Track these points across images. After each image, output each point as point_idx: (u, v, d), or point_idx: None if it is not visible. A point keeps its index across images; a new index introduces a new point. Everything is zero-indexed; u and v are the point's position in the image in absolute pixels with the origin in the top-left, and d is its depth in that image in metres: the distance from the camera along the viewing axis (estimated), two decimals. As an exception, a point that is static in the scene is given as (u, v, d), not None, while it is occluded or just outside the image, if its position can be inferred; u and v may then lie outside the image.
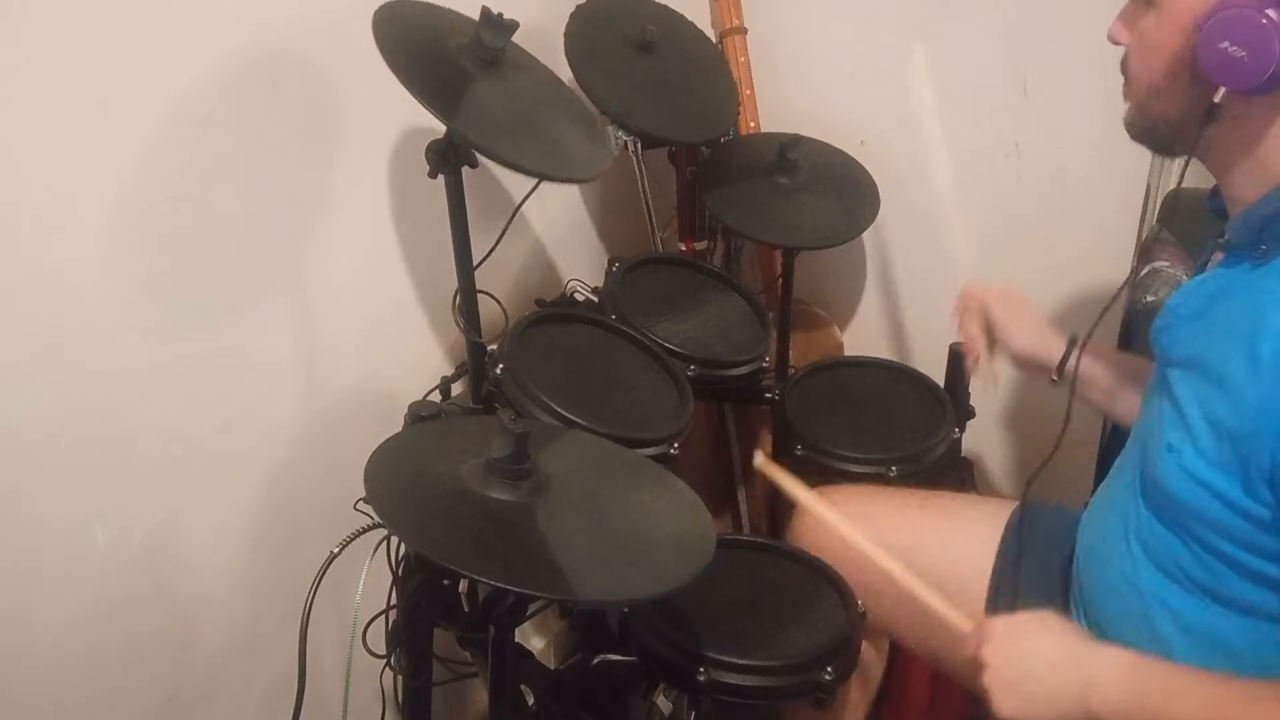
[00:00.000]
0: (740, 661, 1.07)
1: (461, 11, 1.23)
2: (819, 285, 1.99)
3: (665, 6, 1.70)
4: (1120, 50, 1.01)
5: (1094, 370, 1.24)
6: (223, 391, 1.16)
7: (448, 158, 1.16)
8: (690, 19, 1.73)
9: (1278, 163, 0.93)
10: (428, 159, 1.16)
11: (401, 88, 1.05)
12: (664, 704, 1.37)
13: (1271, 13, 0.86)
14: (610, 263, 1.58)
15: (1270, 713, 0.84)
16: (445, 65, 1.14)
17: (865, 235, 1.79)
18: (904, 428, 1.52)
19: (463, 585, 1.20)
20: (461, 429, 1.13)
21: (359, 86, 1.24)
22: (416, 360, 1.46)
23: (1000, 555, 1.23)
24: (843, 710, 1.39)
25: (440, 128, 1.12)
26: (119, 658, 1.10)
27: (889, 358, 1.69)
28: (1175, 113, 0.97)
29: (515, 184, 1.47)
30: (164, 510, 1.12)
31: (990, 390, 1.30)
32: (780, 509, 1.74)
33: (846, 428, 1.52)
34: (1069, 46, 1.64)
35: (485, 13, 1.15)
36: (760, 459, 1.18)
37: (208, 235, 1.11)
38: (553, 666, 1.67)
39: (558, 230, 1.73)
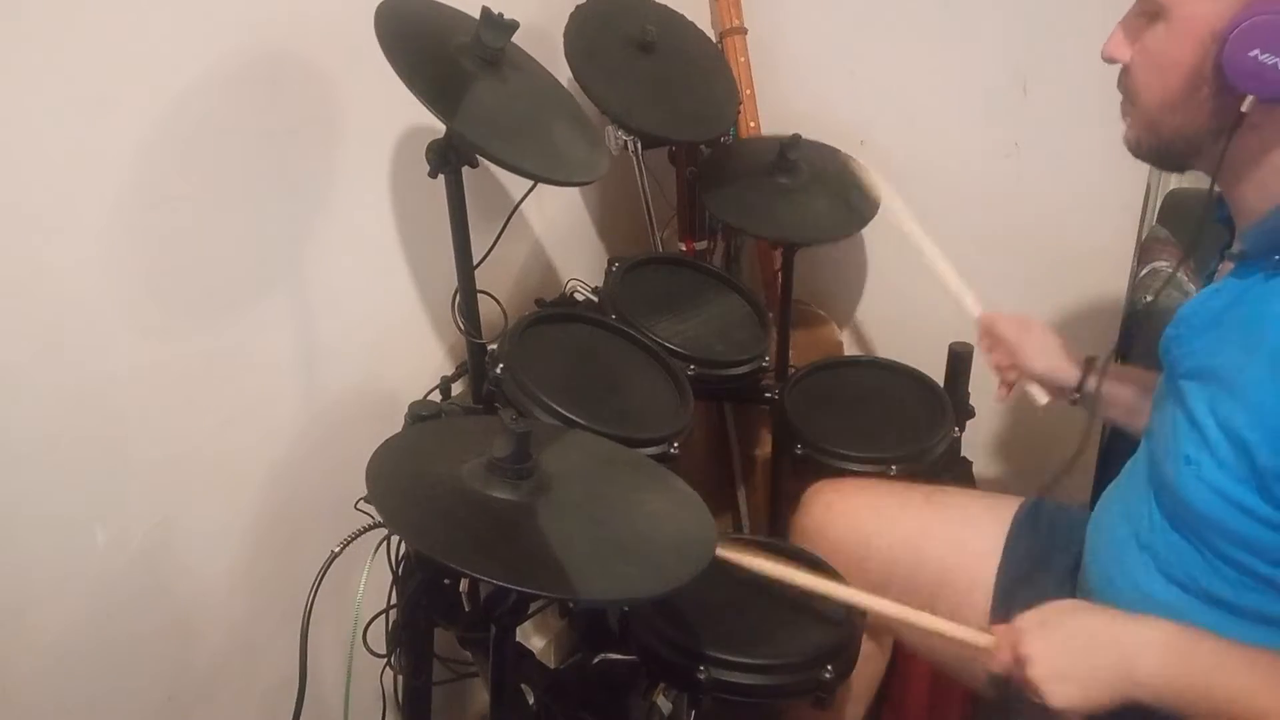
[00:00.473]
0: (740, 660, 1.07)
1: (462, 11, 1.23)
2: (819, 285, 1.99)
3: (665, 6, 1.70)
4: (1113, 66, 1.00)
5: (1112, 389, 1.25)
6: (223, 391, 1.16)
7: (448, 158, 1.16)
8: (690, 19, 1.73)
9: None
10: (428, 159, 1.16)
11: (401, 88, 1.05)
12: (664, 703, 1.37)
13: None
14: (610, 263, 1.58)
15: None
16: (445, 64, 1.14)
17: (865, 235, 1.80)
18: (904, 427, 1.53)
19: (463, 585, 1.20)
20: (462, 429, 1.13)
21: (359, 86, 1.24)
22: (417, 360, 1.46)
23: (1007, 551, 1.23)
24: (843, 709, 1.39)
25: (440, 128, 1.12)
26: (119, 658, 1.10)
27: (889, 358, 1.69)
28: (1193, 127, 0.94)
29: (515, 184, 1.47)
30: (164, 510, 1.12)
31: (1042, 403, 1.33)
32: (780, 509, 1.74)
33: (846, 427, 1.52)
34: (1069, 46, 1.64)
35: (485, 12, 1.15)
36: (719, 550, 1.03)
37: (208, 235, 1.11)
38: (553, 666, 1.67)
39: (557, 230, 1.73)
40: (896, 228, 1.42)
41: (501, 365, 1.22)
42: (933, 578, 1.23)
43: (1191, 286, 1.62)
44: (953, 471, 1.56)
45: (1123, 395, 1.25)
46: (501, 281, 1.54)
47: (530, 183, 1.30)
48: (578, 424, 1.17)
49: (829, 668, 1.08)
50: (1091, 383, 1.27)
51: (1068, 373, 1.29)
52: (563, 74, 1.47)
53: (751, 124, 1.85)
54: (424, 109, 1.05)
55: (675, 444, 1.26)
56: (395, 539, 1.15)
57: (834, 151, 1.74)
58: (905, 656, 1.51)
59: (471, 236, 1.24)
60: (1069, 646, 0.92)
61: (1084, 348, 1.32)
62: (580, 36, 1.51)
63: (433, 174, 1.17)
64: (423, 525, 0.89)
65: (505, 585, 0.82)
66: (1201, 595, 0.96)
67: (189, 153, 1.07)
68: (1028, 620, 0.96)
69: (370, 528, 1.08)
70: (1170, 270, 1.60)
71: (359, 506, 0.99)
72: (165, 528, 1.12)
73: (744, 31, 1.84)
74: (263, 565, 1.25)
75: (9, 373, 0.94)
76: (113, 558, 1.07)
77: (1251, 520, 0.90)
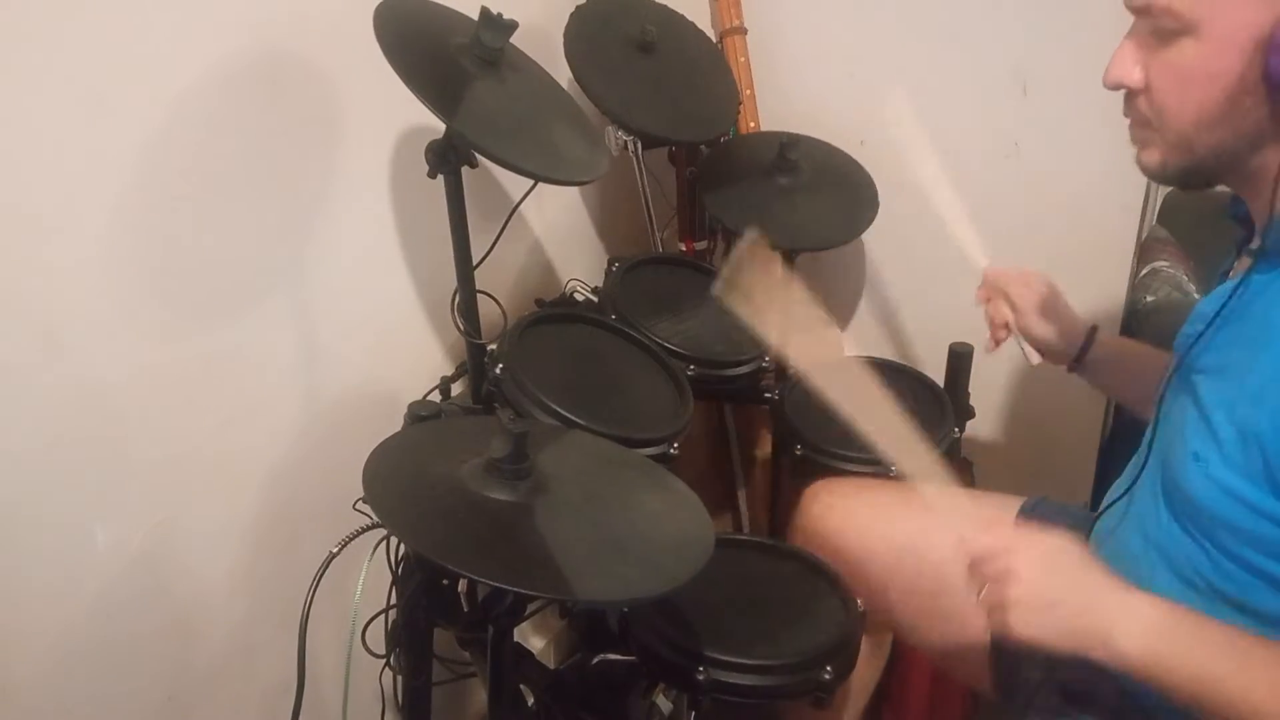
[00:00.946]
0: (740, 661, 1.07)
1: (461, 11, 1.23)
2: (819, 285, 1.99)
3: (665, 6, 1.70)
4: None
5: (1112, 361, 1.24)
6: (223, 392, 1.16)
7: (447, 158, 1.16)
8: (690, 19, 1.73)
9: None
10: (427, 159, 1.17)
11: (400, 88, 1.05)
12: (664, 704, 1.37)
13: None
14: (610, 263, 1.58)
15: None
16: (445, 64, 1.14)
17: (865, 235, 1.79)
18: (904, 427, 1.52)
19: (462, 585, 1.20)
20: (461, 429, 1.14)
21: (359, 86, 1.24)
22: (416, 360, 1.46)
23: None
24: (841, 709, 1.39)
25: (439, 128, 1.12)
26: (119, 658, 1.10)
27: (889, 358, 1.69)
28: (1234, 139, 0.91)
29: (515, 184, 1.47)
30: (164, 510, 1.12)
31: (1030, 366, 1.29)
32: (780, 509, 1.74)
33: (846, 427, 1.52)
34: (1069, 46, 1.64)
35: (485, 13, 1.15)
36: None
37: (208, 236, 1.11)
38: (552, 666, 1.67)
39: (557, 230, 1.73)
40: (911, 165, 1.36)
41: (501, 365, 1.22)
42: (933, 579, 1.23)
43: (1191, 286, 1.63)
44: (953, 472, 1.55)
45: (1120, 368, 1.24)
46: (501, 281, 1.54)
47: (530, 183, 1.30)
48: (577, 424, 1.17)
49: (828, 668, 1.08)
50: (1092, 354, 1.25)
51: (1068, 340, 1.27)
52: (563, 74, 1.47)
53: (751, 124, 1.85)
54: (424, 109, 1.06)
55: (675, 444, 1.26)
56: (394, 539, 1.15)
57: (835, 150, 1.74)
58: (905, 656, 1.51)
59: (471, 236, 1.24)
60: (1056, 586, 0.91)
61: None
62: (580, 37, 1.51)
63: (432, 174, 1.17)
64: (421, 525, 0.89)
65: (503, 586, 0.82)
66: (1208, 592, 0.95)
67: (189, 153, 1.07)
68: (1029, 540, 0.94)
69: (369, 528, 1.08)
70: (1171, 270, 1.61)
71: (358, 507, 1.00)
72: (165, 528, 1.12)
73: (744, 31, 1.83)
74: (262, 565, 1.25)
75: (9, 373, 0.94)
76: (113, 558, 1.07)
77: (1259, 518, 0.89)
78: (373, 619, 1.19)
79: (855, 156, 1.75)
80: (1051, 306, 1.28)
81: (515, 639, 1.17)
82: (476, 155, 1.16)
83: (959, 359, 1.58)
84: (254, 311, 1.19)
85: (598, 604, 1.28)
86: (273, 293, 1.21)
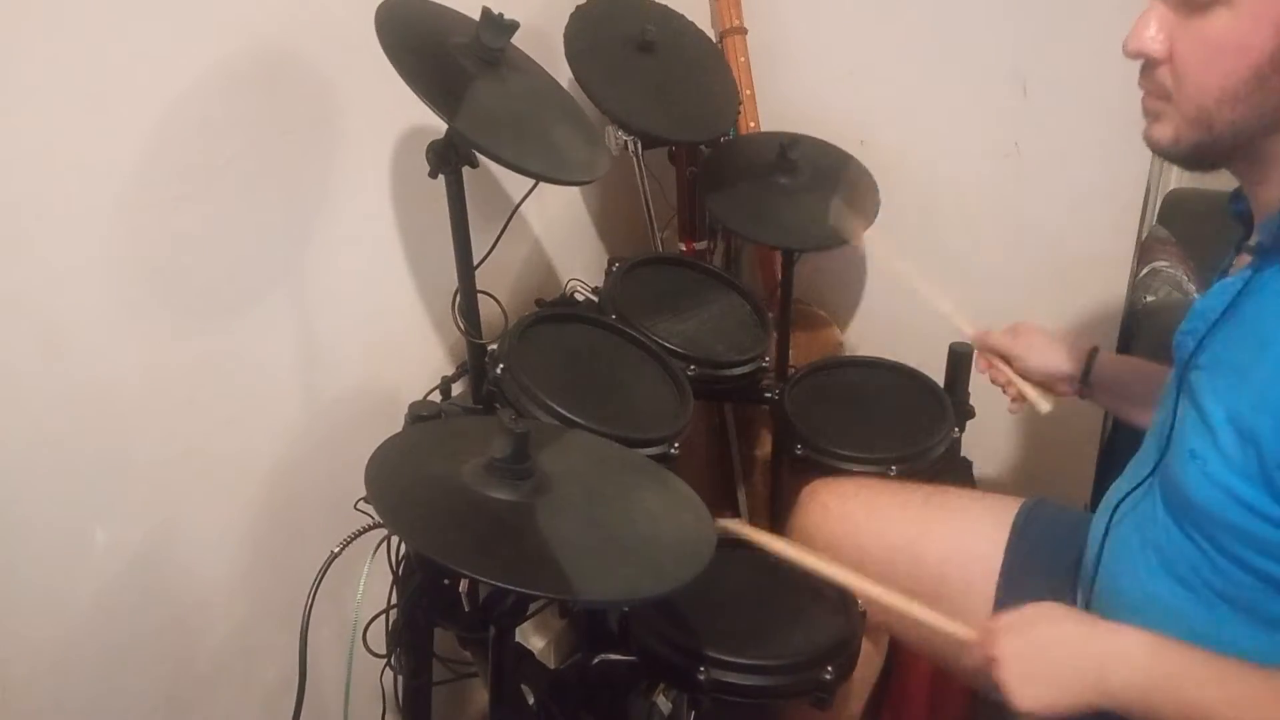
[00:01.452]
0: (740, 661, 1.07)
1: (461, 11, 1.23)
2: (819, 285, 1.99)
3: (665, 6, 1.70)
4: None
5: (1119, 380, 1.24)
6: (223, 392, 1.16)
7: (448, 158, 1.16)
8: (690, 19, 1.73)
9: None
10: (428, 159, 1.16)
11: (401, 88, 1.05)
12: (664, 704, 1.37)
13: None
14: (610, 263, 1.58)
15: None
16: (446, 64, 1.14)
17: (865, 236, 1.80)
18: (904, 427, 1.52)
19: (463, 585, 1.20)
20: (461, 429, 1.14)
21: (359, 86, 1.24)
22: (417, 360, 1.46)
23: (1008, 553, 1.23)
24: (841, 709, 1.39)
25: (440, 128, 1.12)
26: (119, 658, 1.10)
27: (889, 358, 1.69)
28: (1254, 118, 0.89)
29: (515, 184, 1.47)
30: (164, 511, 1.12)
31: (1044, 411, 1.32)
32: (780, 509, 1.74)
33: (846, 427, 1.52)
34: (1069, 46, 1.64)
35: (485, 13, 1.15)
36: (722, 524, 1.08)
37: (208, 236, 1.11)
38: (553, 666, 1.67)
39: (558, 230, 1.73)
40: (884, 263, 1.41)
41: (501, 365, 1.22)
42: (932, 580, 1.23)
43: (1191, 286, 1.63)
44: (953, 472, 1.56)
45: (1127, 385, 1.25)
46: (501, 281, 1.54)
47: (531, 183, 1.30)
48: (577, 424, 1.17)
49: (829, 668, 1.08)
50: (1095, 372, 1.26)
51: (1065, 365, 1.28)
52: (563, 74, 1.47)
53: (751, 124, 1.85)
54: (424, 109, 1.05)
55: (675, 444, 1.26)
56: (395, 539, 1.15)
57: (835, 149, 1.74)
58: (905, 656, 1.51)
59: (472, 236, 1.24)
60: (1041, 652, 0.94)
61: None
62: (580, 37, 1.51)
63: (433, 174, 1.17)
64: (422, 525, 0.89)
65: (504, 586, 0.82)
66: (1206, 593, 0.96)
67: (189, 153, 1.07)
68: (1004, 621, 0.98)
69: (370, 528, 1.08)
70: (1171, 270, 1.61)
71: (359, 506, 0.99)
72: (165, 528, 1.12)
73: (744, 31, 1.83)
74: (263, 565, 1.25)
75: (10, 374, 0.94)
76: (113, 558, 1.07)
77: (1256, 517, 0.89)
78: (373, 619, 1.19)
79: (855, 156, 1.75)
80: (1044, 345, 1.30)
81: (516, 639, 1.17)
82: (477, 155, 1.17)
83: (959, 359, 1.58)
84: (254, 311, 1.19)
85: (599, 604, 1.28)
86: (273, 293, 1.21)
